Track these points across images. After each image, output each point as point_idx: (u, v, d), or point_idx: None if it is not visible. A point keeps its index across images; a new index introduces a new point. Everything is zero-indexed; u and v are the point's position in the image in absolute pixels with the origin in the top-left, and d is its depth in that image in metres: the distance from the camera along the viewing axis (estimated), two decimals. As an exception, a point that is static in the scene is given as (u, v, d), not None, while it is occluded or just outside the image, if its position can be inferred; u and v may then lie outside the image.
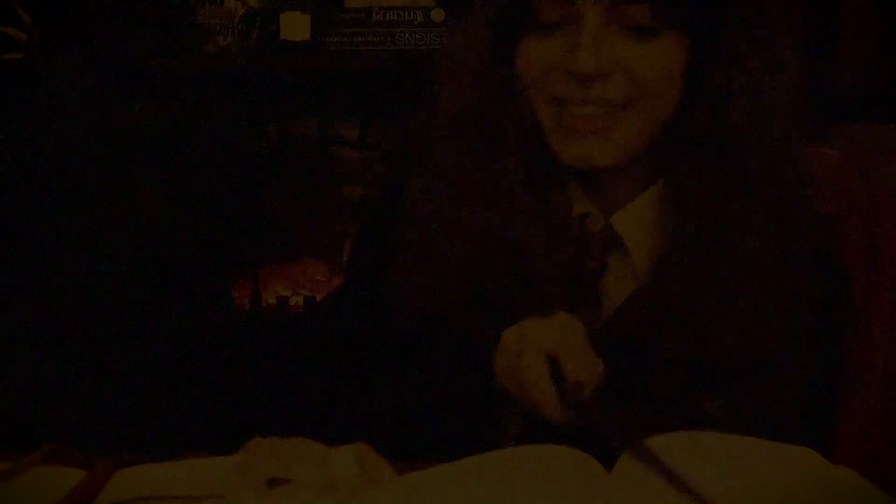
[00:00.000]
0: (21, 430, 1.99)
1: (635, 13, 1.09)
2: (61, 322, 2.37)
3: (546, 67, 1.12)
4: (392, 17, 2.67)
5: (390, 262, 1.18)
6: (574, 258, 1.15)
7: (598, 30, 1.09)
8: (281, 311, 2.74)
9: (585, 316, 1.13)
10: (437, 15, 2.65)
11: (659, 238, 1.15)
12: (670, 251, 1.13)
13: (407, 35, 2.66)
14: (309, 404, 1.25)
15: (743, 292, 1.11)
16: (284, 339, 2.55)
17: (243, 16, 2.69)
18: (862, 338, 1.21)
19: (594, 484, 0.87)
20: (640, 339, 1.11)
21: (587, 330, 1.06)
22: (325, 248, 2.86)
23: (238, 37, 2.69)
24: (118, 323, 2.43)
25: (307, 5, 2.65)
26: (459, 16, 1.23)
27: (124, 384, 2.36)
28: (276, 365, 2.37)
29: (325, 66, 2.71)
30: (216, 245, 2.68)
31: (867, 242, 1.23)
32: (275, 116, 2.80)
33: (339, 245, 2.78)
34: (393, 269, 1.17)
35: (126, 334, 2.44)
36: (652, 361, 1.10)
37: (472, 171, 1.16)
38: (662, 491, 0.84)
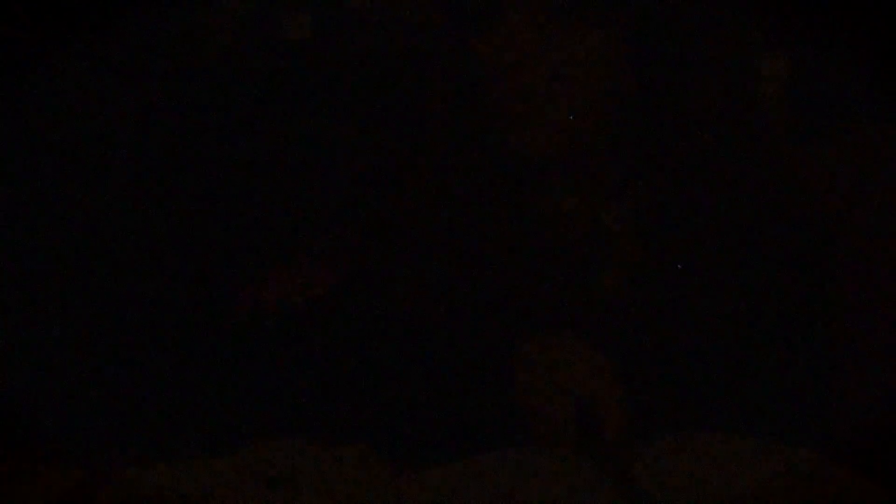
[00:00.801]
0: (21, 430, 1.98)
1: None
2: (61, 323, 2.37)
3: (488, 58, 1.11)
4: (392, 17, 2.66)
5: (392, 262, 1.18)
6: (565, 251, 1.16)
7: (520, 18, 1.08)
8: (281, 311, 2.73)
9: (578, 311, 1.13)
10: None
11: (645, 234, 1.15)
12: (656, 247, 1.13)
13: (407, 35, 2.66)
14: (309, 404, 1.25)
15: (729, 286, 1.10)
16: (284, 338, 2.55)
17: (243, 16, 2.69)
18: (860, 338, 1.21)
19: (592, 485, 0.87)
20: (633, 336, 1.11)
21: (618, 371, 1.05)
22: (325, 248, 2.85)
23: (238, 36, 2.69)
24: (118, 323, 2.43)
25: (307, 5, 2.65)
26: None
27: (124, 384, 2.36)
28: (277, 365, 2.37)
29: (325, 66, 2.70)
30: (216, 245, 2.68)
31: (864, 242, 1.23)
32: (274, 116, 2.79)
33: (338, 245, 2.78)
34: (393, 269, 1.18)
35: (126, 335, 2.43)
36: (645, 358, 1.10)
37: (460, 167, 1.16)
38: (661, 492, 0.84)
